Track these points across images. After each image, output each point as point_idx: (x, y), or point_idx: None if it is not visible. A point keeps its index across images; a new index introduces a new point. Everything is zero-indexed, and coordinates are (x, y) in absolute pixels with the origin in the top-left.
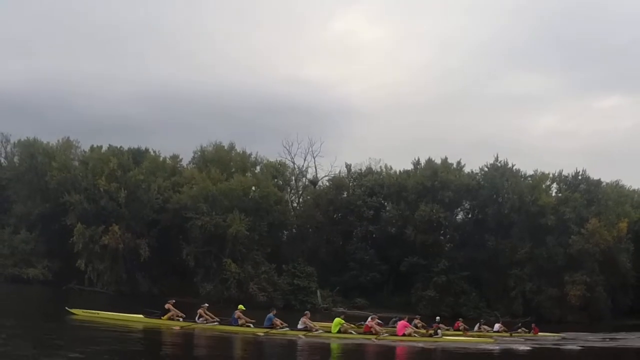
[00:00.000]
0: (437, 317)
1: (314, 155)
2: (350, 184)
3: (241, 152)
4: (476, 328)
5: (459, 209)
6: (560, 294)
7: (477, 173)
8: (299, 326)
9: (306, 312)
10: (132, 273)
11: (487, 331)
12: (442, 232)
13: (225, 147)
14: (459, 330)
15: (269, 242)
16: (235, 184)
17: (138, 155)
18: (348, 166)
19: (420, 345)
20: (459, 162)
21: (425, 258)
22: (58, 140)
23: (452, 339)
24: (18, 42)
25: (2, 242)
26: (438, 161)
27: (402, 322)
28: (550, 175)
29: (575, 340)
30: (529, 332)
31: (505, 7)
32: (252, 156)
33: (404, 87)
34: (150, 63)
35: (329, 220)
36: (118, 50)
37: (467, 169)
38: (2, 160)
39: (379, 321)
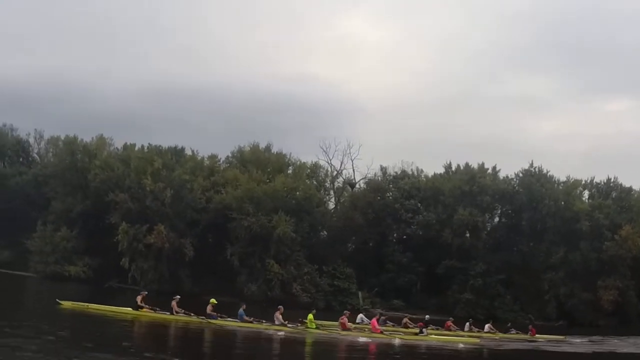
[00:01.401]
0: (427, 316)
1: (352, 157)
2: (387, 186)
3: (277, 152)
4: (466, 328)
5: (494, 213)
6: (593, 298)
7: (512, 178)
8: (276, 322)
9: (279, 306)
10: (174, 272)
11: (477, 331)
12: (478, 235)
13: (262, 148)
14: (449, 330)
15: (310, 244)
16: (278, 185)
17: (175, 154)
18: (383, 169)
19: (399, 342)
20: (494, 167)
21: (462, 261)
22: (92, 138)
23: (437, 337)
24: (18, 37)
25: (43, 239)
26: (475, 166)
27: (373, 319)
28: (582, 182)
29: (568, 344)
30: (527, 334)
31: (508, 9)
32: (287, 157)
33: (405, 88)
34: (151, 59)
35: (367, 222)
36: (119, 46)
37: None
38: (35, 156)
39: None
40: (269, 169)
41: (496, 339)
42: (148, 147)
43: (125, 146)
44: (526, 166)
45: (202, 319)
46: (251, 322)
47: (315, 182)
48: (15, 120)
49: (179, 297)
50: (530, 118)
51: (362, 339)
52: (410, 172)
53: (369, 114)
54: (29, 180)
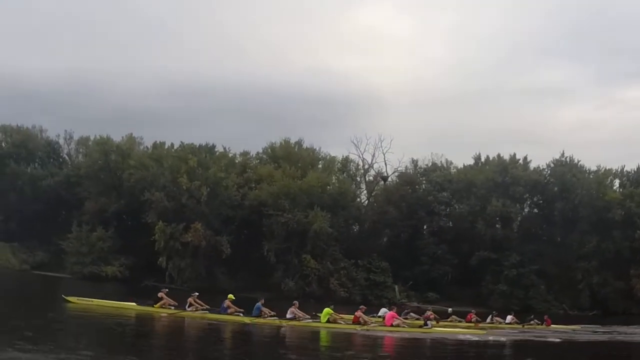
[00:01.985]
0: (449, 309)
1: (384, 151)
2: (419, 179)
3: (308, 147)
4: (489, 320)
5: (527, 204)
6: (626, 286)
7: (543, 169)
8: (288, 316)
9: (295, 302)
10: (210, 270)
11: (500, 323)
12: (511, 226)
13: (292, 143)
14: (470, 322)
15: (344, 238)
16: (313, 181)
17: (206, 152)
18: (414, 161)
19: (407, 335)
20: (525, 158)
21: (495, 252)
22: (122, 137)
23: (442, 330)
24: (39, 37)
25: (79, 240)
26: (506, 157)
27: (390, 313)
28: (613, 171)
29: (578, 334)
30: (542, 324)
31: (533, 2)
32: (317, 152)
33: (427, 80)
34: (169, 58)
35: (400, 216)
36: (137, 44)
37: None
38: (65, 157)
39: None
40: (299, 164)
41: (504, 330)
42: (181, 146)
43: (155, 145)
44: (555, 155)
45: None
46: (265, 317)
47: (346, 177)
48: (37, 119)
49: (197, 293)
50: (554, 107)
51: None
52: (439, 165)
53: (391, 106)
54: (60, 181)
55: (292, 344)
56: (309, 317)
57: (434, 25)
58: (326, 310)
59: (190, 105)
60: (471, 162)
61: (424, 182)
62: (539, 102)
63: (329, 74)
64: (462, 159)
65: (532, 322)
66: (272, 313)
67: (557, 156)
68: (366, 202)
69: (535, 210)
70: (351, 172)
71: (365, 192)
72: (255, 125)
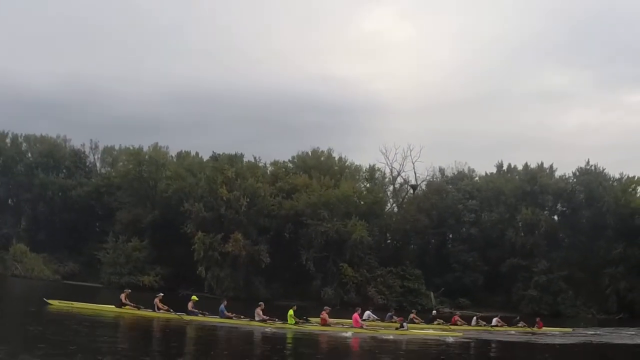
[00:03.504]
0: (434, 312)
1: (413, 160)
2: (447, 187)
3: (338, 157)
4: (473, 322)
5: (555, 211)
6: None
7: (569, 177)
8: (256, 318)
9: (260, 303)
10: (248, 279)
11: (484, 325)
12: (540, 233)
13: (319, 153)
14: (455, 324)
15: (377, 246)
16: (349, 190)
17: (234, 161)
18: (442, 170)
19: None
20: (551, 167)
21: (525, 259)
22: (148, 147)
23: (417, 332)
24: (43, 42)
25: (116, 250)
26: (533, 165)
27: (355, 315)
28: (635, 178)
29: (570, 336)
30: (534, 327)
31: (536, 5)
32: (345, 161)
33: (432, 86)
34: (174, 64)
35: (431, 224)
36: (141, 50)
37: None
38: (93, 166)
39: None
40: (329, 173)
41: (485, 332)
42: (213, 156)
43: (179, 154)
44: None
45: (180, 314)
46: (231, 318)
47: (374, 185)
48: (41, 126)
49: (162, 294)
50: (558, 111)
51: (344, 334)
52: (465, 172)
53: (395, 111)
54: (90, 191)
55: (259, 346)
56: (276, 318)
57: (438, 30)
58: (290, 311)
59: (195, 112)
60: (492, 169)
61: (452, 190)
62: (543, 106)
63: (334, 80)
64: (470, 164)
65: (519, 324)
66: (238, 315)
67: (575, 162)
68: (394, 210)
69: (562, 218)
70: (377, 181)
71: (390, 200)
72: (260, 132)
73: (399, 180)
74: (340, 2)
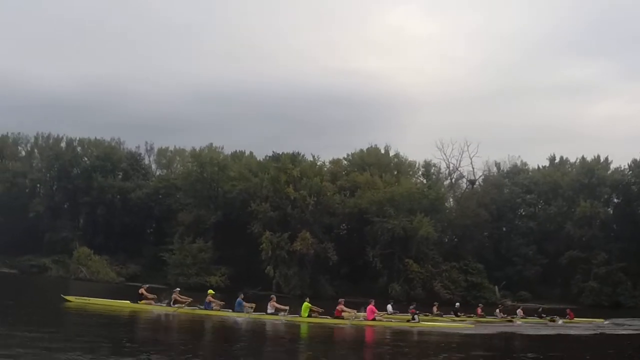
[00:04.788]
0: (457, 304)
1: (471, 155)
2: (504, 182)
3: (394, 153)
4: (496, 313)
5: (609, 203)
6: None
7: (625, 169)
8: (269, 311)
9: (272, 295)
10: (314, 277)
11: (505, 317)
12: (598, 226)
13: (374, 149)
14: (483, 316)
15: (439, 241)
16: (412, 186)
17: (295, 160)
18: (497, 164)
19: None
20: (606, 159)
21: (583, 251)
22: (201, 147)
23: (429, 324)
24: (63, 44)
25: (182, 251)
26: (589, 159)
27: (369, 307)
28: None
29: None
30: (565, 317)
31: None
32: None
33: (455, 81)
34: (195, 63)
35: (491, 218)
36: (163, 50)
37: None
38: (149, 168)
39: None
40: (386, 171)
41: (504, 324)
42: (274, 155)
43: (234, 154)
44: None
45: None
46: (248, 311)
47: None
48: (54, 126)
49: (179, 289)
50: (584, 104)
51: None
52: (517, 166)
53: (418, 106)
54: (149, 193)
55: (274, 339)
56: (287, 309)
57: (461, 25)
58: (305, 304)
59: (215, 111)
60: (545, 162)
61: (509, 184)
62: (568, 99)
63: (356, 76)
64: (494, 157)
65: (542, 316)
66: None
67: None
68: (450, 204)
69: (617, 210)
70: (433, 176)
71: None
72: (279, 129)
73: (456, 175)
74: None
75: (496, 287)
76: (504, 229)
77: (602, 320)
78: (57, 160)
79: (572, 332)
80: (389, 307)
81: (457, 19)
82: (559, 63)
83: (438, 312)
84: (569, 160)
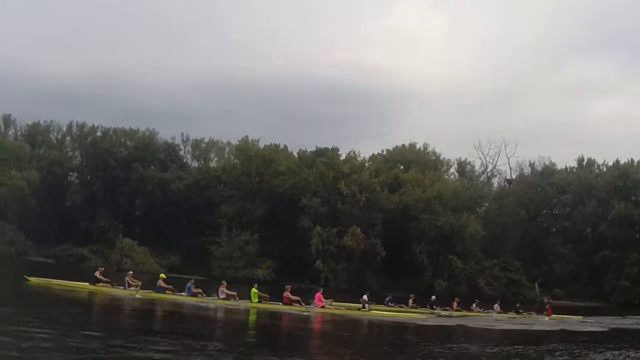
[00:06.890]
0: (433, 297)
1: (508, 155)
2: (538, 181)
3: (430, 151)
4: (473, 307)
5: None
6: None
7: None
8: (220, 296)
9: (223, 281)
10: (361, 271)
11: (480, 311)
12: (632, 227)
13: (414, 146)
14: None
15: (481, 239)
16: (457, 185)
17: (324, 155)
18: (532, 164)
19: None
20: (639, 162)
21: (617, 251)
22: (237, 141)
23: (380, 313)
24: (74, 33)
25: (230, 245)
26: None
27: (318, 294)
28: None
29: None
30: (543, 314)
31: None
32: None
33: (460, 77)
34: (206, 52)
35: (527, 216)
36: (173, 39)
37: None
38: (184, 159)
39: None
40: (426, 168)
41: (453, 316)
42: (317, 150)
43: (268, 147)
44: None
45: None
46: (197, 295)
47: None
48: (61, 115)
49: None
50: (588, 103)
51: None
52: (547, 165)
53: (425, 105)
54: (189, 184)
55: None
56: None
57: (468, 23)
58: (253, 290)
59: (224, 100)
60: (573, 163)
61: (544, 184)
62: (574, 98)
63: (361, 72)
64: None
65: (520, 311)
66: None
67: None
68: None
69: None
70: (469, 174)
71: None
72: (282, 122)
73: (490, 174)
74: None
75: (536, 284)
76: (542, 227)
77: (581, 317)
78: (95, 149)
79: (535, 327)
80: (365, 297)
81: (465, 17)
82: (558, 63)
83: (458, 307)
84: (595, 161)
